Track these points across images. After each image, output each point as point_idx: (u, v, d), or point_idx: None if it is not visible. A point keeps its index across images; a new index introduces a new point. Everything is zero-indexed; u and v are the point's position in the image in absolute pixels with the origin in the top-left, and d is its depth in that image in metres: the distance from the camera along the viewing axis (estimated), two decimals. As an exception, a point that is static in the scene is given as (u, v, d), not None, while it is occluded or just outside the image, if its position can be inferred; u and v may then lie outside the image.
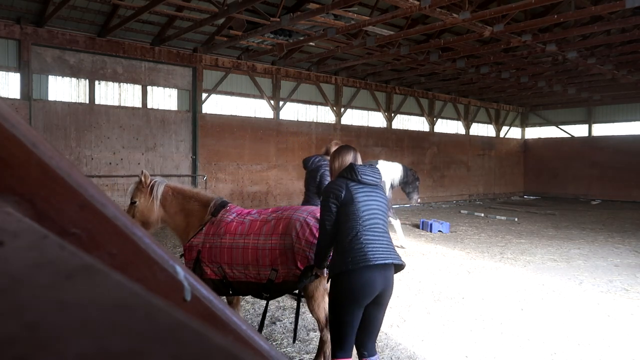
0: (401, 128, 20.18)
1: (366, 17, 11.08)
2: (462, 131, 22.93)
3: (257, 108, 15.92)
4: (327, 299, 3.58)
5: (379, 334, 4.75)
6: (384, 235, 3.13)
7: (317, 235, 3.43)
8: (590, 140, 24.04)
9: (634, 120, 22.74)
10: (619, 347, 4.69)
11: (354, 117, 18.64)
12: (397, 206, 17.79)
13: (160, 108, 13.80)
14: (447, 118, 22.20)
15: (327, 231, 3.16)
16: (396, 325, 5.23)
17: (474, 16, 10.12)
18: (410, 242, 10.51)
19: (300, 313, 5.41)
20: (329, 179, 5.29)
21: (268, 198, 15.85)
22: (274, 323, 5.26)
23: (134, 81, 13.28)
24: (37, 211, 0.45)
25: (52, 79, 12.07)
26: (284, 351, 4.51)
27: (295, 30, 12.31)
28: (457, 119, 22.70)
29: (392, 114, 19.68)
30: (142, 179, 4.15)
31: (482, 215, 16.00)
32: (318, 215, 3.58)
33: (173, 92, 14.14)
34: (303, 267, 3.53)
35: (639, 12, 11.07)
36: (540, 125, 26.00)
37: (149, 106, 13.59)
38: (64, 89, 12.29)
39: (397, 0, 9.38)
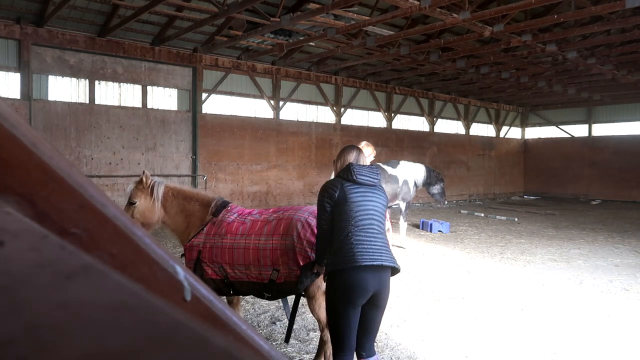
0: (401, 128, 20.18)
1: (366, 17, 11.08)
2: (462, 131, 22.93)
3: (257, 108, 15.92)
4: None
5: (379, 334, 4.75)
6: (377, 236, 3.10)
7: None
8: (590, 140, 24.04)
9: (634, 120, 22.74)
10: (619, 347, 4.69)
11: (354, 117, 18.64)
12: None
13: (160, 108, 13.81)
14: (447, 118, 22.20)
15: (323, 230, 3.19)
16: (396, 325, 5.23)
17: (474, 16, 10.13)
18: (410, 242, 10.51)
19: (300, 313, 5.42)
20: None
21: (268, 198, 15.85)
22: (274, 323, 5.26)
23: (134, 81, 13.28)
24: (37, 211, 0.45)
25: (52, 79, 12.07)
26: (284, 351, 4.51)
27: (295, 30, 12.31)
28: (457, 119, 22.71)
29: (392, 114, 19.68)
30: (144, 179, 4.13)
31: (482, 215, 16.00)
32: None
33: (173, 92, 14.14)
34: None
35: (639, 12, 11.07)
36: (540, 125, 26.00)
37: (149, 106, 13.60)
38: (64, 89, 12.29)
39: (397, 0, 9.38)
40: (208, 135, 14.44)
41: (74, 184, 0.48)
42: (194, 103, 14.32)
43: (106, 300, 0.30)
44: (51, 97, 12.05)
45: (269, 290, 3.72)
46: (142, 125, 13.36)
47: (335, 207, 3.13)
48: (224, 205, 4.04)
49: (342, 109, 18.01)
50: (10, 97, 11.32)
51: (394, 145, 19.56)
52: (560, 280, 7.28)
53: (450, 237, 11.46)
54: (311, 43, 12.81)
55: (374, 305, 3.12)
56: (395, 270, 3.17)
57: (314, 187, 16.93)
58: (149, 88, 13.60)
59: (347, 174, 3.19)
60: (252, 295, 5.40)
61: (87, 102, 12.55)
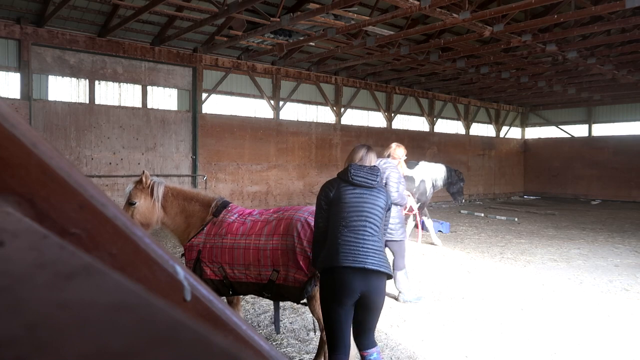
0: (401, 128, 20.18)
1: (366, 17, 11.08)
2: (462, 131, 22.93)
3: (257, 108, 15.92)
4: None
5: (379, 334, 4.75)
6: (368, 238, 3.10)
7: None
8: (590, 140, 24.04)
9: (634, 120, 22.74)
10: (619, 347, 4.69)
11: (354, 117, 18.64)
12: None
13: (160, 108, 13.81)
14: (447, 118, 22.20)
15: (318, 228, 3.28)
16: (396, 325, 5.23)
17: (474, 16, 10.12)
18: (410, 242, 10.50)
19: (300, 313, 5.42)
20: (393, 182, 5.37)
21: (268, 198, 15.85)
22: (274, 323, 5.25)
23: (134, 81, 13.28)
24: (37, 211, 0.45)
25: (52, 78, 12.07)
26: (284, 351, 4.51)
27: (295, 30, 12.31)
28: (457, 119, 22.71)
29: (392, 114, 19.68)
30: (144, 179, 4.11)
31: (482, 215, 16.00)
32: None
33: (173, 92, 14.14)
34: (305, 267, 3.53)
35: (639, 12, 11.08)
36: (540, 125, 26.00)
37: (149, 106, 13.60)
38: (64, 89, 12.29)
39: (397, 0, 9.38)
40: (208, 135, 14.44)
41: (74, 184, 0.48)
42: (194, 103, 14.32)
43: (106, 300, 0.30)
44: (51, 97, 12.05)
45: (269, 290, 3.72)
46: (142, 125, 13.36)
47: (331, 207, 3.20)
48: (224, 205, 4.03)
49: (342, 109, 18.01)
50: (10, 97, 11.32)
51: (394, 145, 19.52)
52: (560, 280, 7.28)
53: (450, 237, 11.46)
54: (311, 43, 12.81)
55: (365, 308, 3.15)
56: (389, 275, 3.19)
57: (314, 187, 16.93)
58: (149, 88, 13.60)
59: (344, 174, 3.24)
60: (252, 295, 5.39)
61: (87, 102, 12.55)
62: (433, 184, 9.99)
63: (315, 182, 16.98)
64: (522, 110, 25.93)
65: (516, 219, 14.79)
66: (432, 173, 9.99)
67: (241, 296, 4.26)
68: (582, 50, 13.85)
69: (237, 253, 3.72)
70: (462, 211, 17.41)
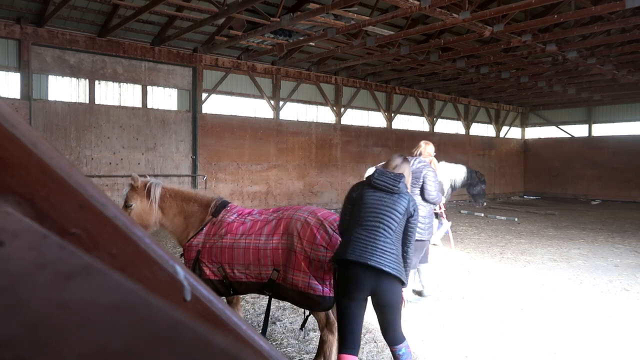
0: (401, 128, 20.17)
1: (366, 17, 11.08)
2: (462, 131, 22.92)
3: (257, 108, 15.92)
4: None
5: (378, 334, 4.74)
6: (380, 238, 3.24)
7: (317, 235, 3.61)
8: (590, 140, 24.03)
9: (634, 120, 22.73)
10: (619, 347, 4.69)
11: (354, 117, 18.64)
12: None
13: (160, 108, 13.80)
14: (447, 118, 22.19)
15: (342, 225, 3.52)
16: (396, 325, 5.23)
17: (474, 16, 10.12)
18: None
19: (300, 313, 5.41)
20: (430, 181, 5.56)
21: (268, 198, 15.85)
22: (274, 323, 5.25)
23: (134, 81, 13.28)
24: (37, 211, 0.45)
25: (52, 78, 12.07)
26: (284, 351, 4.51)
27: (295, 30, 12.30)
28: (457, 119, 22.70)
29: (392, 114, 19.68)
30: (132, 182, 4.06)
31: (482, 215, 15.99)
32: (319, 215, 3.73)
33: (173, 92, 14.14)
34: (306, 266, 3.55)
35: (639, 12, 11.07)
36: (540, 125, 26.00)
37: (149, 106, 13.59)
38: (64, 89, 12.29)
39: (397, 0, 9.38)
40: (208, 135, 14.44)
41: (74, 184, 0.48)
42: (194, 103, 14.31)
43: (106, 300, 0.30)
44: (51, 97, 12.05)
45: (269, 289, 3.72)
46: (142, 125, 13.36)
47: (353, 206, 3.45)
48: (223, 205, 4.03)
49: (342, 109, 18.01)
50: (10, 97, 11.31)
51: (394, 145, 19.53)
52: (560, 280, 7.28)
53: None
54: (311, 43, 12.80)
55: (378, 306, 3.32)
56: (398, 277, 3.29)
57: (314, 187, 16.92)
58: (149, 88, 13.60)
59: (369, 178, 3.50)
60: (252, 295, 5.39)
61: (87, 102, 12.55)
62: (452, 185, 9.92)
63: (315, 182, 16.98)
64: (522, 110, 25.93)
65: (516, 219, 14.79)
66: (452, 174, 9.92)
67: (241, 296, 4.25)
68: (582, 50, 13.85)
69: (237, 253, 3.72)
70: (462, 211, 17.40)
